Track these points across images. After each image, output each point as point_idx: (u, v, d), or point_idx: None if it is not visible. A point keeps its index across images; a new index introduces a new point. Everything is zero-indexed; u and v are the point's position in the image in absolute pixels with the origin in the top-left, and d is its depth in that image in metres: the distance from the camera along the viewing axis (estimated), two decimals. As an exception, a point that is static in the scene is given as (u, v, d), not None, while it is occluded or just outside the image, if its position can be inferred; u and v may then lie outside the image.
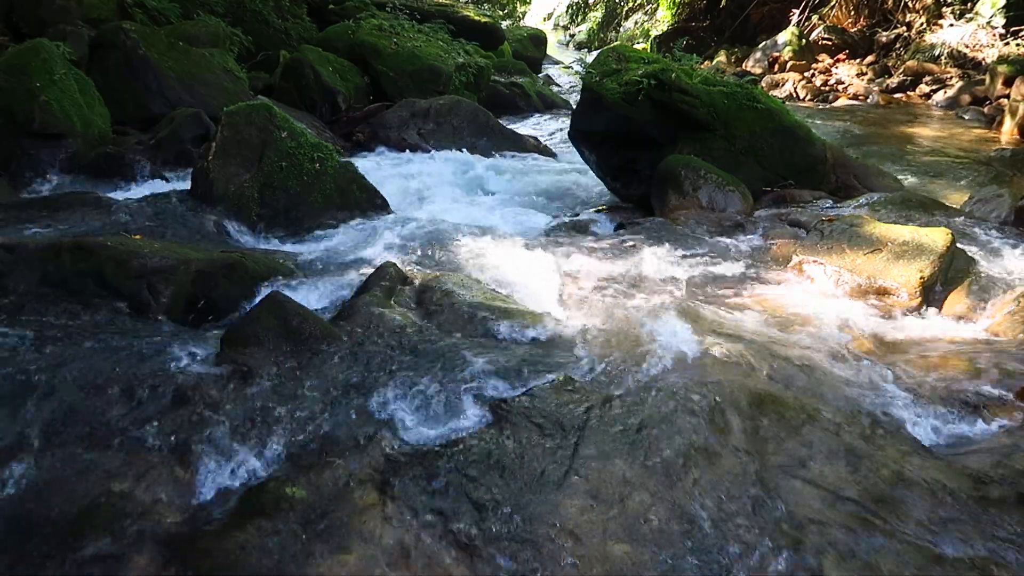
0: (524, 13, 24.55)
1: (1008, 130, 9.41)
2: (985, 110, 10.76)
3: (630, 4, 23.08)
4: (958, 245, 3.63)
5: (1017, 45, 12.03)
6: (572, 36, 27.32)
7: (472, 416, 2.22)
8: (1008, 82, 10.39)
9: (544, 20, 30.00)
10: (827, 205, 4.88)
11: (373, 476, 1.94)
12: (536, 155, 7.53)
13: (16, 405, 2.17)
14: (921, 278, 3.30)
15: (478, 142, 7.44)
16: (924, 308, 3.28)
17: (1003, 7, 12.62)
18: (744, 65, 15.76)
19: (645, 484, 1.94)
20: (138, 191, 4.85)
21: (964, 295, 3.34)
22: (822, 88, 13.55)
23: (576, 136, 6.08)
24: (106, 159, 5.16)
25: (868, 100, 12.67)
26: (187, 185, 4.39)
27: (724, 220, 4.55)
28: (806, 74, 14.33)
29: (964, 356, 2.73)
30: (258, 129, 4.35)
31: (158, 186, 4.92)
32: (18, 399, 2.19)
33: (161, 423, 2.11)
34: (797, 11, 16.00)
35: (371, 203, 4.65)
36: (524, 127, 9.32)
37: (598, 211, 5.56)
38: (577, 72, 7.66)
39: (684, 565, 1.73)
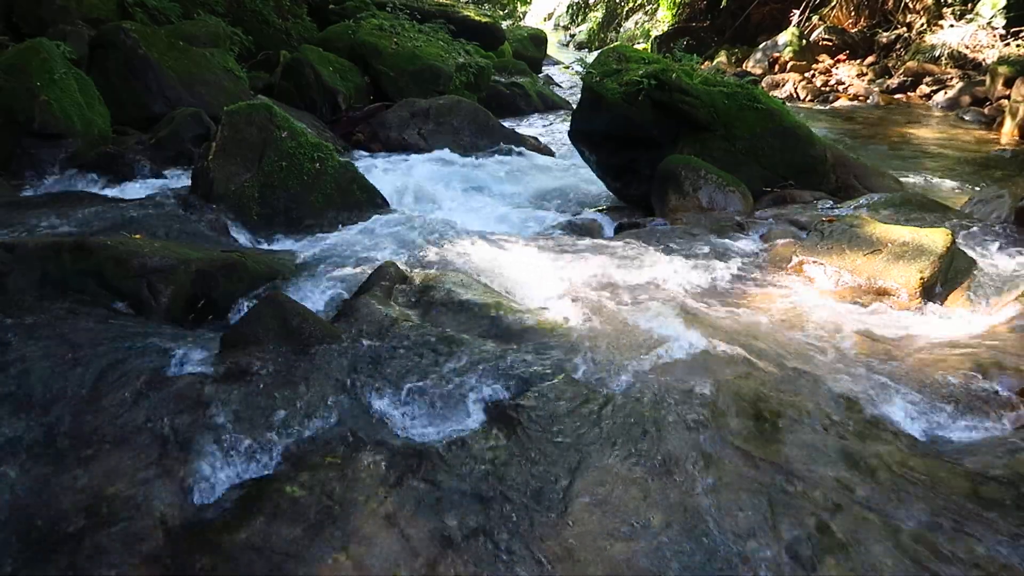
0: (524, 13, 24.55)
1: (1008, 131, 9.41)
2: (985, 111, 10.76)
3: (630, 4, 23.09)
4: (958, 245, 3.63)
5: (1017, 46, 12.03)
6: (572, 36, 27.33)
7: (472, 416, 2.22)
8: (1008, 83, 10.39)
9: (544, 20, 30.03)
10: (827, 205, 4.88)
11: (373, 476, 1.94)
12: (536, 155, 7.52)
13: (16, 405, 2.17)
14: (921, 278, 3.30)
15: (478, 142, 7.44)
16: (924, 308, 3.28)
17: (1003, 8, 12.61)
18: (744, 65, 15.76)
19: (646, 484, 1.94)
20: (138, 191, 4.85)
21: (964, 295, 3.34)
22: (822, 89, 13.55)
23: (576, 136, 6.08)
24: (106, 158, 5.16)
25: (868, 101, 12.67)
26: (187, 185, 4.39)
27: (724, 220, 4.55)
28: (806, 75, 14.33)
29: (964, 356, 2.73)
30: (258, 129, 4.35)
31: (158, 186, 4.92)
32: (17, 399, 2.19)
33: (160, 423, 2.10)
34: (797, 11, 16.00)
35: (371, 203, 4.65)
36: (524, 127, 9.33)
37: (598, 211, 5.56)
38: (577, 72, 7.65)
39: (684, 565, 1.73)
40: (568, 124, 6.36)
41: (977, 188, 6.18)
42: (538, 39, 16.64)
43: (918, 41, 13.98)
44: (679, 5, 19.82)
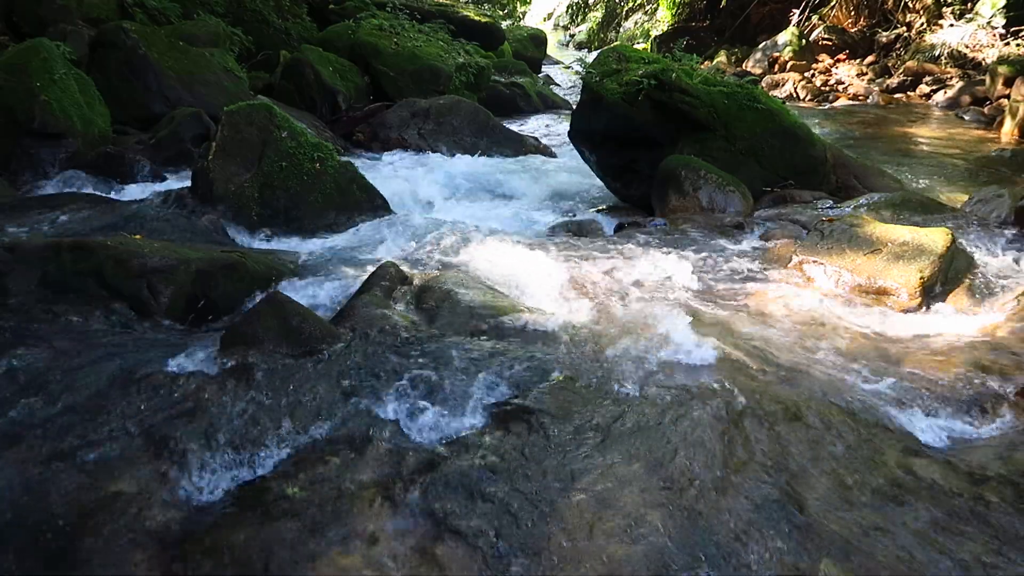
0: (524, 13, 24.54)
1: (1008, 130, 9.41)
2: (985, 110, 10.76)
3: (630, 4, 23.08)
4: (958, 245, 3.63)
5: (1017, 45, 12.03)
6: (572, 36, 27.34)
7: (472, 416, 2.22)
8: (1008, 82, 10.40)
9: (544, 20, 30.00)
10: (827, 205, 4.88)
11: (373, 476, 1.94)
12: (536, 155, 7.53)
13: (15, 405, 2.17)
14: (921, 278, 3.30)
15: (478, 142, 7.45)
16: (924, 308, 3.28)
17: (1003, 7, 12.61)
18: (744, 65, 15.77)
19: (646, 484, 1.94)
20: (138, 191, 4.86)
21: (964, 295, 3.34)
22: (822, 88, 13.56)
23: (576, 136, 6.08)
24: (106, 158, 5.17)
25: (868, 100, 12.68)
26: (187, 185, 4.39)
27: (724, 220, 4.55)
28: (806, 74, 14.35)
29: (964, 356, 2.73)
30: (258, 129, 4.35)
31: (158, 186, 4.93)
32: (17, 399, 2.19)
33: (160, 423, 2.10)
34: (797, 11, 16.01)
35: (371, 203, 4.65)
36: (524, 127, 9.33)
37: (598, 211, 5.57)
38: (577, 72, 7.66)
39: (685, 565, 1.73)
40: (568, 124, 6.36)
41: (977, 188, 6.18)
42: (538, 39, 16.66)
43: (918, 41, 13.99)
44: (679, 5, 19.83)
